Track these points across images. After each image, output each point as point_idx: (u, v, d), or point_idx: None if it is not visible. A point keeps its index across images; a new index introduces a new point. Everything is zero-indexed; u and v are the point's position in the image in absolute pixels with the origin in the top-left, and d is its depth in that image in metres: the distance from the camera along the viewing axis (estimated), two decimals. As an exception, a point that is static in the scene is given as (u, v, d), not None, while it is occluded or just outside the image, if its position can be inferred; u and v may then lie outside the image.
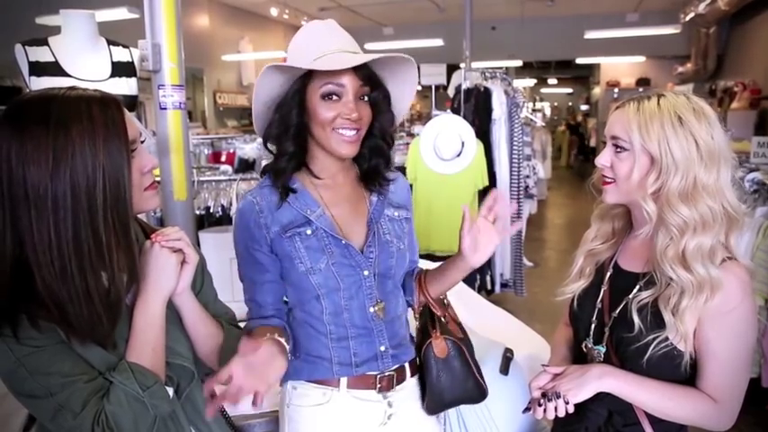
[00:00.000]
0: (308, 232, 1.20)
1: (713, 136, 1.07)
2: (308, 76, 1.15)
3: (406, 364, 1.31)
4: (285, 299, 1.28)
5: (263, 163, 1.28)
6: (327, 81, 1.14)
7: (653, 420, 1.13)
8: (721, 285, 1.04)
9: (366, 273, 1.22)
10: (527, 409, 1.18)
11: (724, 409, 1.08)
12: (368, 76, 1.18)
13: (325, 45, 1.14)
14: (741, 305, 1.06)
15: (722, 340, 1.06)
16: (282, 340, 1.14)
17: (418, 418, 1.34)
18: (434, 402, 1.32)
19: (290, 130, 1.18)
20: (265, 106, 1.21)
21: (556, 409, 1.10)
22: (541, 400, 1.12)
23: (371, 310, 1.24)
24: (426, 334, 1.32)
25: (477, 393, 1.33)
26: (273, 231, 1.20)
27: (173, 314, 1.05)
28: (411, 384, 1.33)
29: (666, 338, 1.07)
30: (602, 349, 1.18)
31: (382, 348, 1.26)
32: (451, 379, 1.29)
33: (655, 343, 1.07)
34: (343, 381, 1.24)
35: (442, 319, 1.32)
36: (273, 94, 1.19)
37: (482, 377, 1.34)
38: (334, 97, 1.15)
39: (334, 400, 1.24)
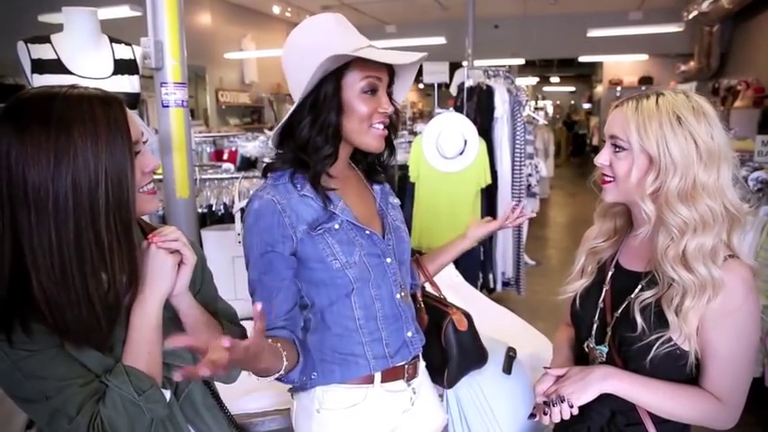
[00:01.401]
0: (336, 227, 1.17)
1: (713, 136, 1.06)
2: (342, 71, 1.12)
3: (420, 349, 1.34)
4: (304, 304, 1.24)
5: (266, 160, 1.26)
6: (368, 75, 1.13)
7: (656, 420, 1.12)
8: (723, 285, 1.04)
9: (389, 260, 1.24)
10: (532, 416, 1.18)
11: (728, 408, 1.08)
12: (392, 71, 1.19)
13: (354, 38, 1.13)
14: (744, 304, 1.05)
15: (726, 339, 1.06)
16: (283, 352, 1.08)
17: (430, 396, 1.39)
18: (455, 374, 1.41)
19: (330, 130, 1.14)
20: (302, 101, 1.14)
21: (561, 412, 1.09)
22: (546, 409, 1.11)
23: (398, 296, 1.25)
24: (438, 312, 1.40)
25: (483, 358, 1.47)
26: (301, 230, 1.15)
27: (171, 315, 1.03)
28: (422, 366, 1.37)
29: (670, 338, 1.06)
30: (605, 349, 1.17)
31: (409, 334, 1.27)
32: (468, 348, 1.39)
33: (658, 343, 1.07)
34: (378, 376, 1.23)
35: (442, 295, 1.34)
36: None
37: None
38: (372, 92, 1.14)
39: (369, 398, 1.23)
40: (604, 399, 1.11)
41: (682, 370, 1.09)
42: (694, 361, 1.08)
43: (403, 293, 1.26)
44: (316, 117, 1.13)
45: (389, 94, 1.22)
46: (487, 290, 4.23)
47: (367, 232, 1.21)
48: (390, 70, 1.18)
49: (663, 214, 1.08)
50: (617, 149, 1.12)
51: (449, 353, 1.36)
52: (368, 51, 1.10)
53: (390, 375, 1.25)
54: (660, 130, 1.05)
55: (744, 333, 1.07)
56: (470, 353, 1.41)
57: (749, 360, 1.09)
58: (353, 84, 1.13)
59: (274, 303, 1.17)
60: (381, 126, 1.17)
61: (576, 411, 1.10)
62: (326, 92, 1.12)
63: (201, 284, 1.15)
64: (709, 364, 1.08)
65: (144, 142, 0.98)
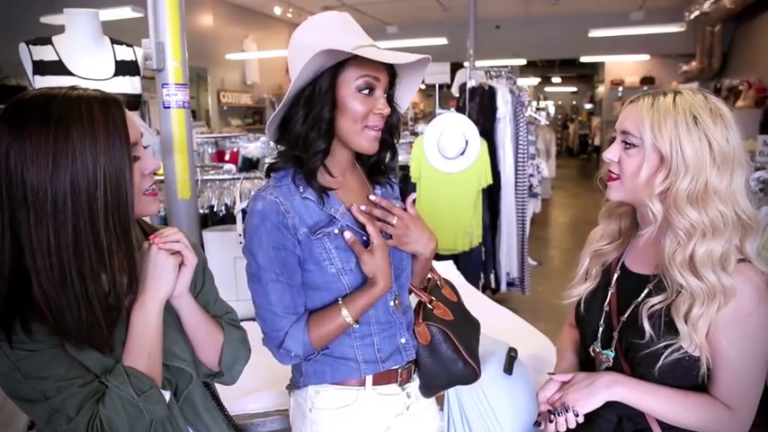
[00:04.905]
0: (336, 231, 1.16)
1: (728, 139, 1.03)
2: (339, 68, 1.11)
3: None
4: None
5: (267, 161, 1.25)
6: (365, 74, 1.11)
7: (664, 427, 1.10)
8: (734, 293, 1.01)
9: None
10: (537, 424, 1.16)
11: (738, 417, 1.05)
12: (393, 73, 1.17)
13: (356, 37, 1.11)
14: (756, 310, 1.02)
15: (736, 346, 1.02)
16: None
17: (429, 402, 1.37)
18: (426, 386, 1.33)
19: (323, 125, 1.12)
20: (297, 95, 1.14)
21: (566, 421, 1.08)
22: (551, 416, 1.10)
23: (392, 303, 1.24)
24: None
25: (470, 375, 1.33)
26: (302, 233, 1.14)
27: (171, 316, 1.03)
28: None
29: (680, 346, 1.04)
30: (611, 354, 1.14)
31: (403, 341, 1.26)
32: (439, 363, 1.29)
33: (667, 351, 1.04)
34: (369, 379, 1.22)
35: (428, 306, 1.32)
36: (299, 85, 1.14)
37: (473, 358, 1.33)
38: (368, 91, 1.12)
39: (360, 400, 1.23)
40: (611, 404, 1.09)
41: (691, 377, 1.06)
42: (706, 370, 1.04)
43: (397, 301, 1.25)
44: (309, 111, 1.12)
45: (391, 97, 1.20)
46: (490, 290, 4.23)
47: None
48: (391, 72, 1.16)
49: (670, 216, 1.05)
50: (627, 146, 1.09)
51: (419, 362, 1.32)
52: (366, 50, 1.08)
53: (383, 379, 1.24)
54: (675, 128, 1.03)
55: (755, 340, 1.03)
56: (445, 367, 1.30)
57: (761, 367, 1.06)
58: (349, 81, 1.11)
59: (294, 298, 1.17)
60: (377, 128, 1.15)
61: (581, 420, 1.08)
62: (321, 86, 1.11)
63: (202, 286, 1.15)
64: (719, 371, 1.04)
65: (145, 147, 0.97)
